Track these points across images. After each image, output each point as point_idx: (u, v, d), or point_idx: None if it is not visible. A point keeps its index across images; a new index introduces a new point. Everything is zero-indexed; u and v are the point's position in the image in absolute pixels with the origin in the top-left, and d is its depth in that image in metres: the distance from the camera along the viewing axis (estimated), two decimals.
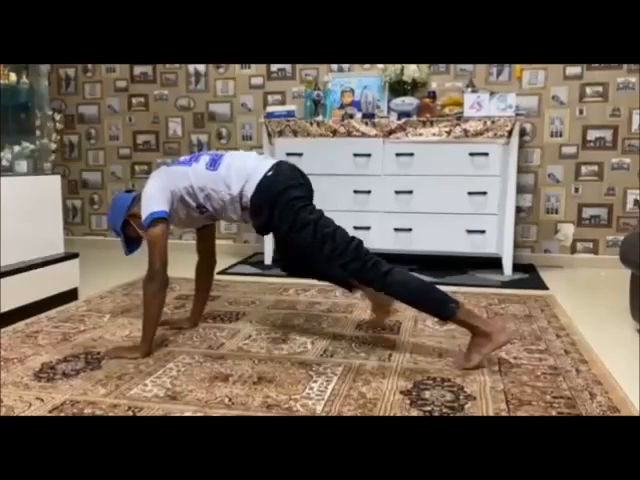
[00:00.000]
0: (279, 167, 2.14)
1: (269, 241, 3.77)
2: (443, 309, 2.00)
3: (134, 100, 4.50)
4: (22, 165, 2.85)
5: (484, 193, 3.49)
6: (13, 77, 2.79)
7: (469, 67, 3.91)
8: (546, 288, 3.23)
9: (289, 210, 2.05)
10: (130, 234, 2.25)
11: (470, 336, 2.02)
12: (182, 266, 2.62)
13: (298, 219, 2.04)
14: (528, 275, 3.55)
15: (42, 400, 1.75)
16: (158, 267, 2.07)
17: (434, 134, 3.50)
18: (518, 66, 3.84)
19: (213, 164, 2.15)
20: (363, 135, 3.59)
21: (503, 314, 2.67)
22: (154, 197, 2.11)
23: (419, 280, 2.10)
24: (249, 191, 2.09)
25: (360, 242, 2.05)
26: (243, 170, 2.11)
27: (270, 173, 2.10)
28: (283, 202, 2.06)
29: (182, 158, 2.30)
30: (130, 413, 1.66)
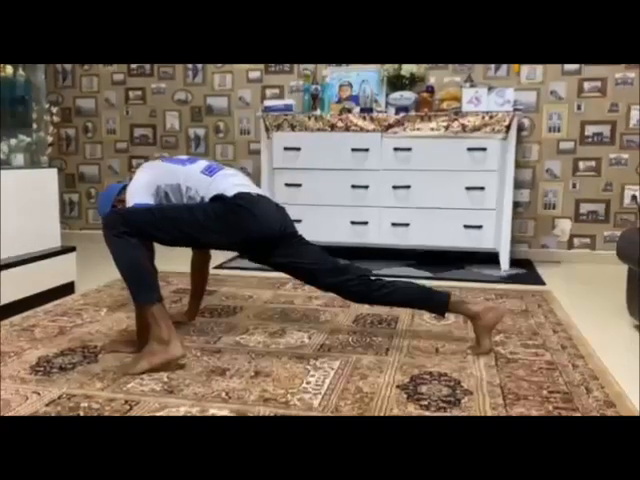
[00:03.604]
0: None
1: None
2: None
3: (131, 93, 4.48)
4: (19, 158, 2.84)
5: (482, 188, 3.49)
6: (9, 69, 2.78)
7: None
8: (543, 283, 3.24)
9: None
10: None
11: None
12: (178, 260, 2.62)
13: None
14: (525, 270, 3.56)
15: (39, 394, 1.75)
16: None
17: (432, 129, 3.50)
18: None
19: (210, 171, 2.17)
20: (361, 130, 3.59)
21: None
22: (140, 189, 2.13)
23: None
24: None
25: None
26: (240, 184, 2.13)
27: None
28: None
29: (180, 157, 2.34)
30: (127, 407, 1.66)
